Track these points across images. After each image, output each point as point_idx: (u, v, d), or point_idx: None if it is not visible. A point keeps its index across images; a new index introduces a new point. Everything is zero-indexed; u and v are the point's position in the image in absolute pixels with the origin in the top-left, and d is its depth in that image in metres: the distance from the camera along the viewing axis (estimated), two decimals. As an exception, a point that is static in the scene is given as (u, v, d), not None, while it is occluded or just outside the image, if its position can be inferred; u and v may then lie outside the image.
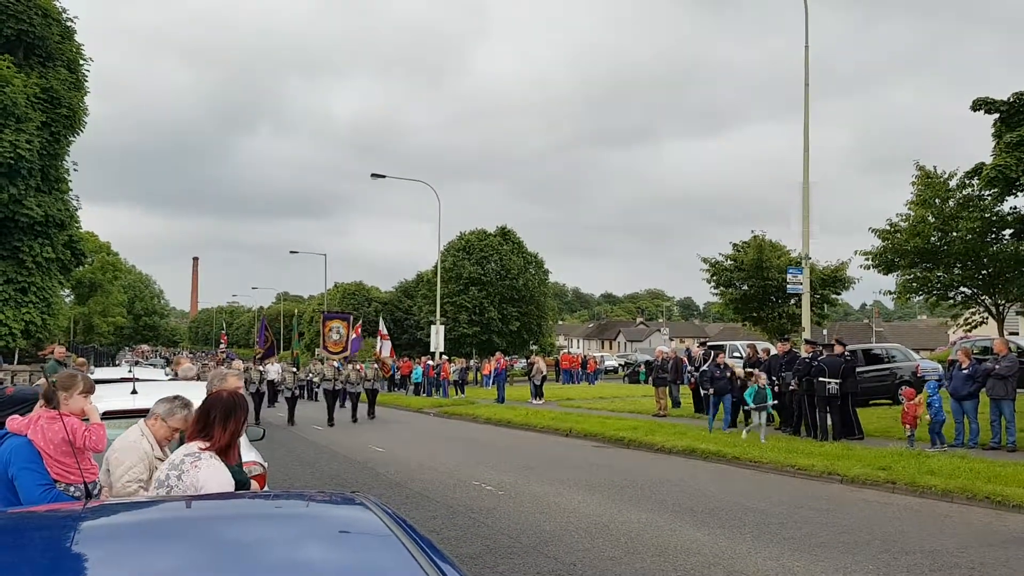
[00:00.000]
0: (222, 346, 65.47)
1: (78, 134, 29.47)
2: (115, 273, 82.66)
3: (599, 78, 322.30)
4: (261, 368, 28.55)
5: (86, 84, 30.05)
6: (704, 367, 22.51)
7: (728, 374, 18.34)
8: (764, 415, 16.46)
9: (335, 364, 25.96)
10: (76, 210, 30.04)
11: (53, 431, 4.55)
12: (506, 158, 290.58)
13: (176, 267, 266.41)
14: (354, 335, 32.13)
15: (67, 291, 53.56)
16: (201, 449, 3.75)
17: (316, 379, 29.13)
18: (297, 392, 26.05)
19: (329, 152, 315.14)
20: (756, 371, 17.21)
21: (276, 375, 28.81)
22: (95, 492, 4.50)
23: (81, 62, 29.86)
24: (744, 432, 16.79)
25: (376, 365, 28.36)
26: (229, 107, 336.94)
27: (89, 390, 4.86)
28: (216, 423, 3.86)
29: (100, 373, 14.04)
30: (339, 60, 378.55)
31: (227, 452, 3.85)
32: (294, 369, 27.74)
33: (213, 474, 3.62)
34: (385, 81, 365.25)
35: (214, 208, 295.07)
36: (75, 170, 30.30)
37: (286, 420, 24.70)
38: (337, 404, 25.68)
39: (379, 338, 36.16)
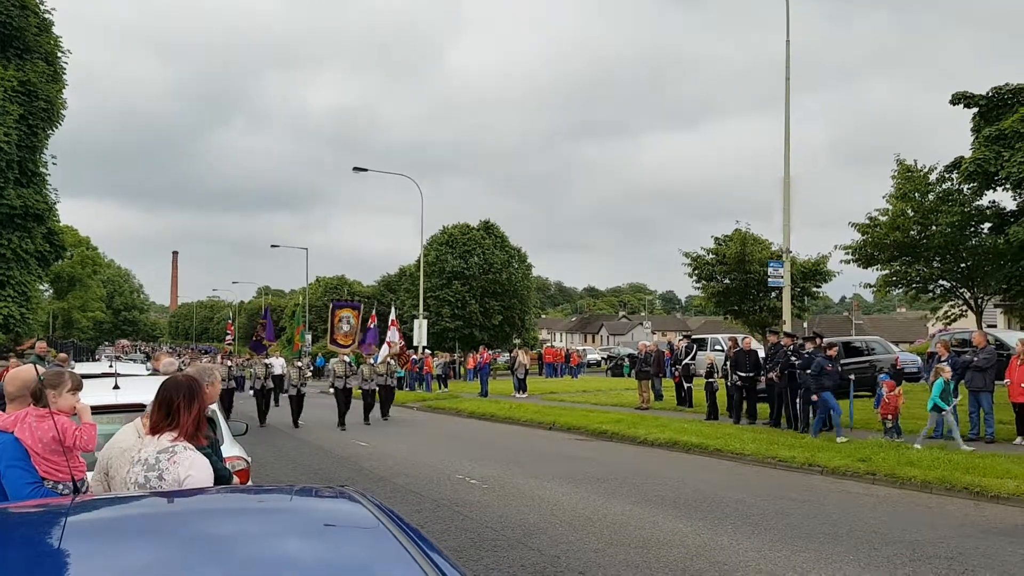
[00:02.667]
0: (228, 338, 60.77)
1: (56, 127, 29.19)
2: (94, 267, 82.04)
3: (576, 72, 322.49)
4: (267, 362, 25.34)
5: (64, 77, 29.75)
6: (687, 360, 22.72)
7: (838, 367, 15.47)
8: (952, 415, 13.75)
9: (345, 359, 23.11)
10: (55, 203, 29.74)
11: (43, 430, 4.51)
12: (485, 152, 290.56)
13: (155, 262, 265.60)
14: (371, 325, 27.98)
15: (46, 285, 52.97)
16: (172, 441, 3.66)
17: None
18: (304, 390, 23.03)
19: (307, 146, 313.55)
20: (942, 364, 14.28)
21: (280, 370, 25.98)
22: (84, 489, 4.47)
23: (59, 55, 29.53)
24: (919, 442, 13.50)
25: (391, 360, 25.40)
26: (205, 101, 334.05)
27: (77, 387, 4.81)
28: (182, 410, 3.74)
29: (80, 368, 13.94)
30: (315, 53, 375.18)
31: (196, 437, 3.76)
32: (299, 364, 24.55)
33: (193, 464, 3.55)
34: (362, 75, 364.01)
35: (192, 202, 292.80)
36: (54, 164, 30.02)
37: (291, 423, 21.87)
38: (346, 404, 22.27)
39: (391, 327, 31.22)
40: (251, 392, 24.72)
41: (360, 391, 23.45)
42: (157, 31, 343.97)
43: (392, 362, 25.53)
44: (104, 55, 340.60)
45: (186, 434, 3.70)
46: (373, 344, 27.10)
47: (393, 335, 30.17)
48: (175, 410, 3.73)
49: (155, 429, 3.72)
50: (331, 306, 27.85)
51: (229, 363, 27.11)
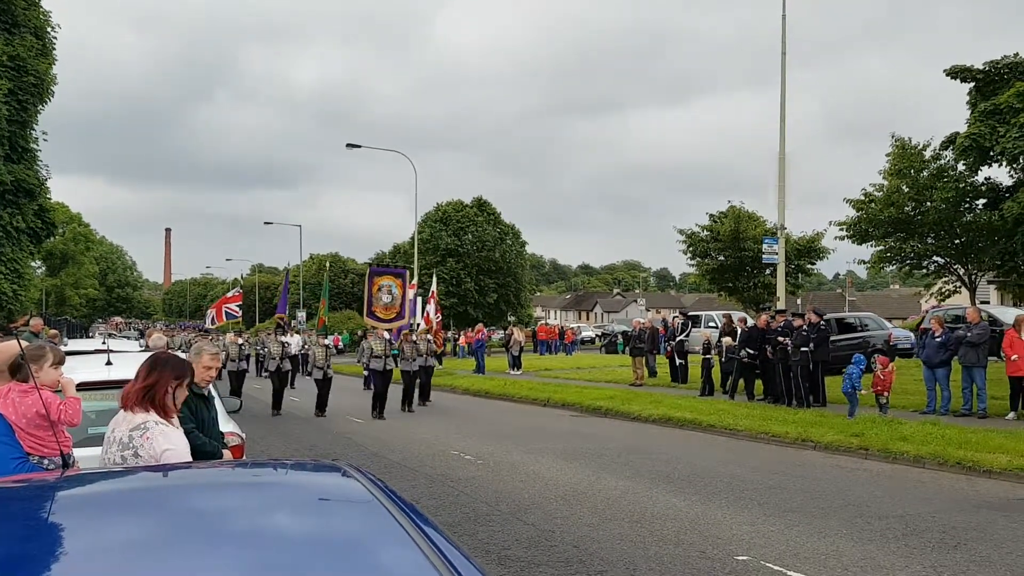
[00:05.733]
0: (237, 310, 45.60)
1: (46, 102, 28.88)
2: (87, 244, 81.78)
3: (565, 47, 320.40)
4: (284, 340, 21.69)
5: (54, 52, 29.41)
6: (682, 336, 22.79)
7: None
8: None
9: (385, 335, 19.70)
10: (46, 179, 29.50)
11: (27, 404, 4.47)
12: (474, 128, 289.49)
13: (147, 239, 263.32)
14: (411, 291, 23.26)
15: (38, 262, 52.65)
16: (135, 412, 3.64)
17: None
18: (330, 372, 19.21)
19: (294, 121, 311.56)
20: None
21: (297, 348, 22.91)
22: (71, 463, 4.45)
23: (48, 29, 29.18)
24: None
25: (428, 336, 22.37)
26: (191, 76, 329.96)
27: (60, 362, 4.77)
28: (137, 379, 3.77)
29: (74, 345, 13.90)
30: (298, 27, 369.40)
31: (164, 410, 3.71)
32: (326, 342, 20.59)
33: (167, 439, 3.54)
34: (348, 49, 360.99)
35: (182, 179, 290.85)
36: (44, 140, 29.74)
37: (314, 410, 18.89)
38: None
39: (429, 301, 26.80)
40: (265, 374, 22.48)
41: (401, 373, 19.95)
42: (138, 4, 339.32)
43: (431, 339, 22.77)
44: (86, 28, 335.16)
45: (133, 402, 3.67)
46: (413, 318, 23.19)
47: (431, 310, 26.28)
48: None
49: (131, 405, 3.71)
50: (368, 272, 23.53)
51: (239, 341, 23.65)
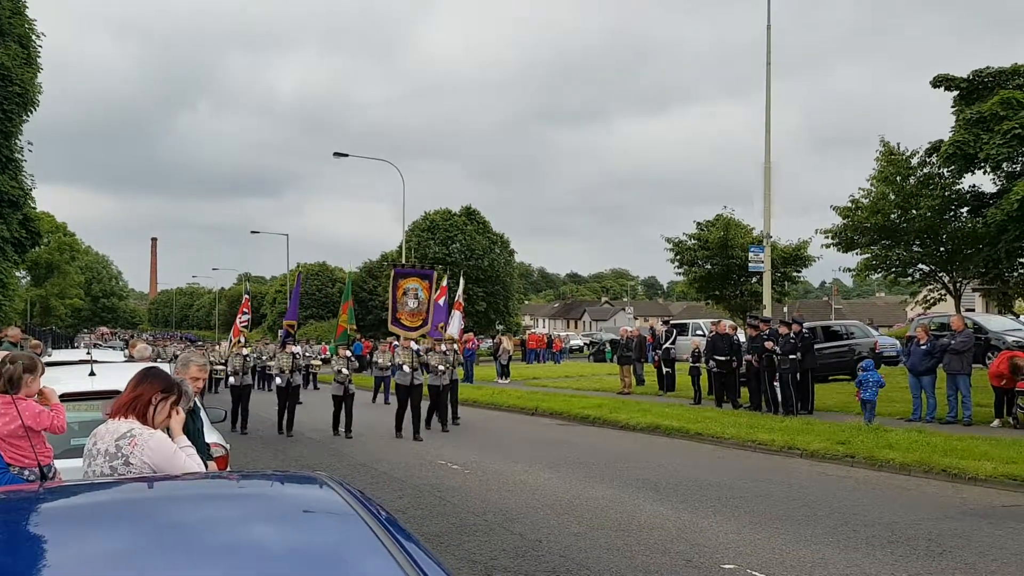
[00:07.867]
0: (245, 318, 34.66)
1: (31, 112, 28.71)
2: (72, 254, 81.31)
3: (549, 55, 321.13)
4: (294, 351, 19.08)
5: (39, 61, 29.27)
6: (667, 344, 22.87)
7: None
8: None
9: (412, 346, 17.30)
10: (31, 189, 29.34)
11: (11, 415, 4.45)
12: (458, 136, 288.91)
13: (132, 248, 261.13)
14: (438, 296, 20.42)
15: (23, 272, 52.33)
16: (122, 419, 3.63)
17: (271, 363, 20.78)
18: (351, 387, 17.12)
19: (277, 130, 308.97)
20: None
21: (300, 359, 19.80)
22: (50, 475, 4.42)
23: (33, 37, 29.05)
24: None
25: (456, 347, 19.88)
26: (172, 84, 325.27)
27: (40, 372, 4.75)
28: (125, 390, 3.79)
29: (58, 355, 13.81)
30: (280, 35, 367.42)
31: (147, 421, 3.69)
32: (348, 353, 18.20)
33: (157, 443, 3.53)
34: (331, 57, 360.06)
35: (166, 188, 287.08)
36: (29, 151, 29.55)
37: (331, 429, 17.04)
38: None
39: (454, 310, 23.19)
40: (270, 389, 21.34)
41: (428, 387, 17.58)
42: (119, 11, 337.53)
43: (457, 350, 20.36)
44: (67, 36, 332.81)
45: (117, 411, 3.67)
46: (443, 324, 20.65)
47: (455, 321, 22.82)
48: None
49: (112, 413, 3.70)
50: (392, 274, 20.08)
51: (244, 352, 20.78)
